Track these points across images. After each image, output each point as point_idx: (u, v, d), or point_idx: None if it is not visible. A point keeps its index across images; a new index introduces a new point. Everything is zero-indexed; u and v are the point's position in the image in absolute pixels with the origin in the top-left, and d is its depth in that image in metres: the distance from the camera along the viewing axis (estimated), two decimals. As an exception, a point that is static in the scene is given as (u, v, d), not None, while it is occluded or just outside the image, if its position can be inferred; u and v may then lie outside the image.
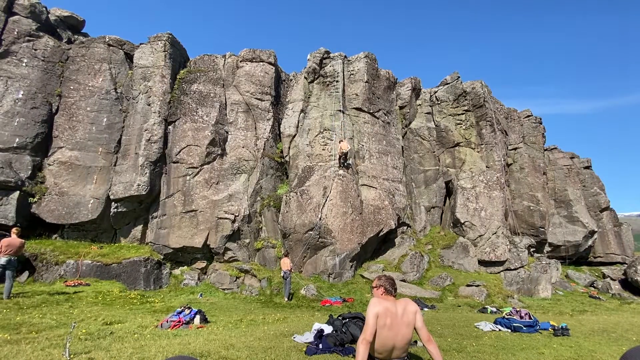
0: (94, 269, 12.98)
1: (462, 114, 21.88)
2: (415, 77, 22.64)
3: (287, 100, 20.08)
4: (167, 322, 7.49)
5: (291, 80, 21.13)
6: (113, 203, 14.93)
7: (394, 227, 17.66)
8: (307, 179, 16.74)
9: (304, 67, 20.20)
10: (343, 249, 15.55)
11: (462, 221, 18.84)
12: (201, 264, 15.80)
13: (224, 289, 14.56)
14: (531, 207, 20.73)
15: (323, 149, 17.52)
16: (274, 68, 19.33)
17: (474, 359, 4.73)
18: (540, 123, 23.88)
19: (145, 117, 16.09)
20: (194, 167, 16.15)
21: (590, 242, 21.30)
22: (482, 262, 17.75)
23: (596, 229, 21.26)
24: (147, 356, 4.62)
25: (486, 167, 20.18)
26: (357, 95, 18.98)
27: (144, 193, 14.97)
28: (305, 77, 19.73)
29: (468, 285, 15.12)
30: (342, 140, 16.96)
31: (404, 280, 15.77)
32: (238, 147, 17.32)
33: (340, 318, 5.96)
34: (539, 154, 22.93)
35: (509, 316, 7.69)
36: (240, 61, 18.96)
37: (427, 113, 22.83)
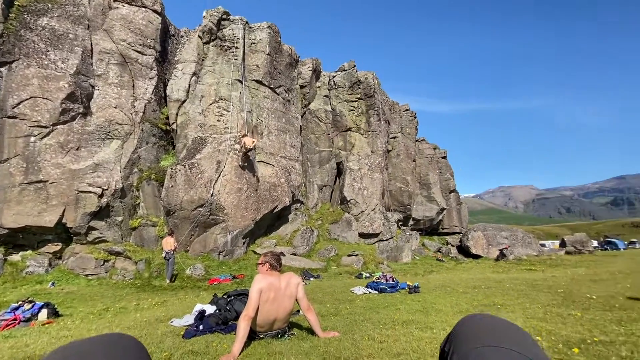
0: None
1: (355, 101, 23.61)
2: (316, 59, 23.06)
3: (175, 59, 17.64)
4: (-5, 322, 5.87)
5: (182, 36, 18.60)
6: None
7: (288, 204, 18.12)
8: (198, 152, 15.37)
9: (198, 25, 17.97)
10: (236, 226, 15.13)
11: (349, 199, 20.76)
12: (54, 247, 12.93)
13: (87, 275, 12.36)
14: (402, 188, 24.40)
15: (218, 120, 16.27)
16: (160, 18, 16.56)
17: (346, 319, 5.30)
18: (415, 117, 27.96)
19: (-43, 50, 11.63)
20: (42, 127, 12.72)
21: (440, 217, 26.69)
22: (362, 235, 20.10)
23: (445, 207, 26.71)
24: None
25: (371, 151, 22.53)
26: (257, 67, 18.13)
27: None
28: (199, 37, 17.62)
29: (349, 255, 16.93)
30: (246, 135, 16.03)
31: (294, 254, 16.52)
32: (109, 106, 14.44)
33: (225, 296, 5.78)
34: (412, 143, 26.94)
35: (377, 280, 8.95)
36: (114, 0, 15.50)
37: (325, 96, 23.73)
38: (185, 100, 16.40)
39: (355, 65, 24.19)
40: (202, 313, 5.13)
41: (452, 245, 24.07)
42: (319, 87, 23.70)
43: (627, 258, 19.75)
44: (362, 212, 20.62)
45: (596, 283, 9.08)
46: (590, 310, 5.51)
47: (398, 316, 5.64)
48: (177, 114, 16.36)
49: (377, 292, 8.57)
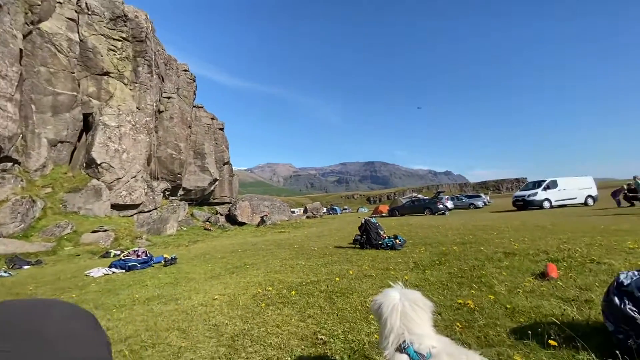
0: None
1: (120, 40, 18.87)
2: (56, -41, 16.26)
3: None
4: None
5: None
6: None
7: (-16, 161, 12.08)
8: None
9: None
10: None
11: (99, 162, 16.62)
12: None
13: None
14: (174, 155, 22.44)
15: None
16: None
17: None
18: (194, 80, 26.15)
19: None
20: None
21: (212, 188, 26.93)
22: (115, 206, 16.79)
23: (218, 178, 27.18)
24: None
25: (137, 108, 19.00)
26: None
27: None
28: None
29: (94, 232, 13.69)
30: None
31: (-4, 235, 11.39)
32: None
33: None
34: (188, 108, 25.10)
35: (125, 257, 7.66)
36: None
37: (71, 19, 17.40)
38: None
39: (122, -5, 19.18)
40: None
41: (221, 215, 24.98)
42: (60, 2, 16.98)
43: (340, 219, 27.95)
44: (118, 179, 17.13)
45: (320, 238, 12.08)
46: (311, 259, 7.14)
47: (142, 294, 5.00)
48: None
49: (124, 270, 7.33)
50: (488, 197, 39.51)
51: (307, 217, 31.26)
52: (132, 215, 17.16)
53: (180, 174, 22.78)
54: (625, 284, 2.04)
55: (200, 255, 9.45)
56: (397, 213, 27.88)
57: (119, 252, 11.50)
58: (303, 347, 2.56)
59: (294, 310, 3.50)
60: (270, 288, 4.55)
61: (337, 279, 4.83)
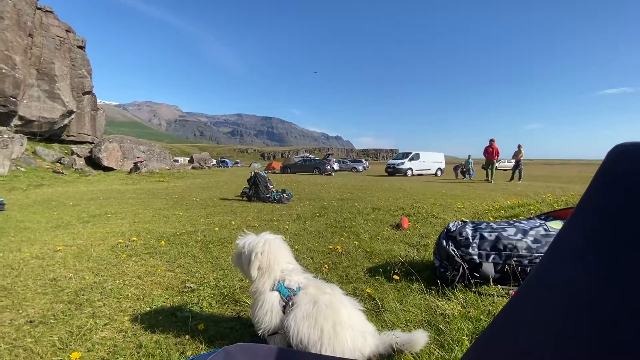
0: None
1: None
2: None
3: None
4: None
5: None
6: None
7: None
8: None
9: None
10: None
11: None
12: None
13: None
14: (4, 71, 16.57)
15: None
16: None
17: None
18: (38, -29, 19.16)
19: None
20: None
21: (66, 121, 21.49)
22: None
23: (76, 110, 21.76)
24: None
25: None
26: None
27: None
28: None
29: None
30: None
31: None
32: None
33: None
34: (29, 9, 18.49)
35: None
36: None
37: None
38: None
39: None
40: None
41: (78, 156, 20.45)
42: None
43: (230, 172, 26.90)
44: None
45: (204, 189, 11.36)
46: (191, 209, 6.64)
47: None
48: None
49: None
50: (367, 163, 44.63)
51: (193, 168, 28.97)
52: None
53: (14, 98, 17.14)
54: (452, 230, 2.57)
55: (43, 201, 7.59)
56: (289, 170, 28.69)
57: None
58: (167, 296, 2.36)
59: (162, 260, 3.18)
60: (135, 238, 4.01)
61: (217, 229, 4.64)
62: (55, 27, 20.53)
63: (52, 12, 20.62)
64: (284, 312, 1.44)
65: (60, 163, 18.79)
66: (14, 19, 17.34)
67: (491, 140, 15.34)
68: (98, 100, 25.19)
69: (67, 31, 21.43)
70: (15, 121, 18.16)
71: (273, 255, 1.50)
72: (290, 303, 1.44)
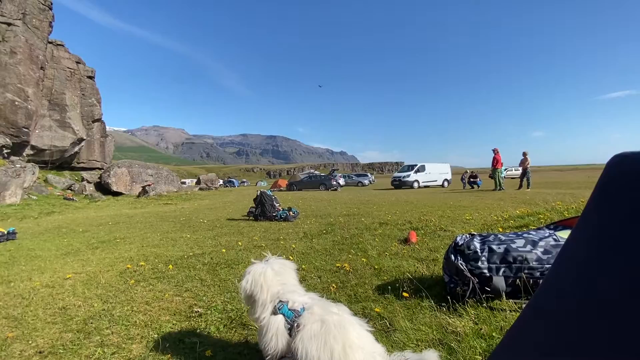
0: None
1: None
2: None
3: None
4: None
5: None
6: None
7: None
8: None
9: None
10: None
11: None
12: None
13: None
14: (17, 103, 17.24)
15: None
16: None
17: None
18: (50, 8, 20.22)
19: None
20: None
21: (77, 149, 22.07)
22: None
23: (85, 137, 22.37)
24: None
25: (-50, 29, 13.58)
26: None
27: None
28: None
29: None
30: None
31: None
32: None
33: None
34: (41, 43, 19.40)
35: None
36: None
37: None
38: None
39: None
40: None
41: (88, 182, 20.85)
42: None
43: (237, 192, 27.08)
44: None
45: (211, 210, 11.43)
46: (198, 231, 6.67)
47: (-49, 279, 3.74)
48: None
49: None
50: (373, 177, 44.61)
51: (200, 189, 29.22)
52: (-57, 178, 12.62)
53: (27, 128, 17.74)
54: (459, 244, 2.54)
55: (53, 228, 7.71)
56: (294, 187, 28.76)
57: None
58: (174, 322, 2.34)
59: (170, 285, 3.18)
60: (143, 263, 4.03)
61: (224, 250, 4.64)
62: (65, 60, 21.42)
63: (63, 45, 21.56)
64: (290, 335, 1.43)
65: (71, 190, 19.14)
66: (26, 53, 18.17)
67: (494, 150, 15.57)
68: (107, 127, 25.88)
69: (78, 62, 22.32)
70: (28, 150, 18.69)
71: (278, 277, 1.52)
72: (296, 325, 1.42)
